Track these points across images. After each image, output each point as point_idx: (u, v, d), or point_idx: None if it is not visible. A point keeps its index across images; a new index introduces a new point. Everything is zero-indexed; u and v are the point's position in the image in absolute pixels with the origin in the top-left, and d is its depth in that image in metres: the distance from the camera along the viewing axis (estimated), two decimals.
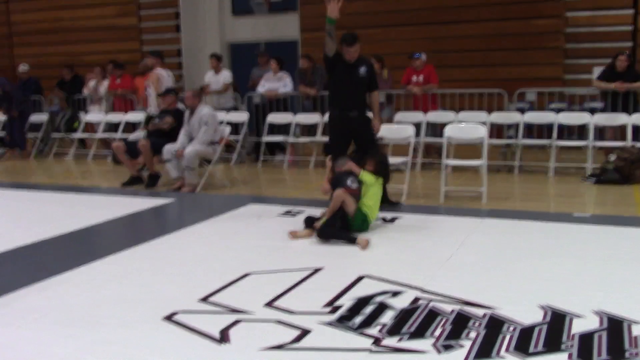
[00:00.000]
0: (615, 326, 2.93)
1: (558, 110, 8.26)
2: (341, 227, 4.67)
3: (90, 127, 11.07)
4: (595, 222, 5.09)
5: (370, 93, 5.85)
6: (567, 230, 4.86)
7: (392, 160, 7.23)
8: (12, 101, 10.55)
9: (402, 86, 8.87)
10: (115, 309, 3.32)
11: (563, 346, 2.74)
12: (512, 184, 7.28)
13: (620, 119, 7.69)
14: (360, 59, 5.65)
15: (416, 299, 3.35)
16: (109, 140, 10.01)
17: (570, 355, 2.65)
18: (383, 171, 5.00)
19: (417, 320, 3.06)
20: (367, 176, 4.88)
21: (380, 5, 11.18)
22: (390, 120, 8.44)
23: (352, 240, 4.49)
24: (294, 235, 4.72)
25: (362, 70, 5.64)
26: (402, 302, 3.30)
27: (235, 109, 9.85)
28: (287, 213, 5.58)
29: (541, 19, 10.28)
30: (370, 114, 5.88)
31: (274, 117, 9.18)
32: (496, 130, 8.40)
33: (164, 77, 8.82)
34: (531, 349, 2.71)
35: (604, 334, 2.85)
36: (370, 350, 2.75)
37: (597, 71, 8.52)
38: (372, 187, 4.87)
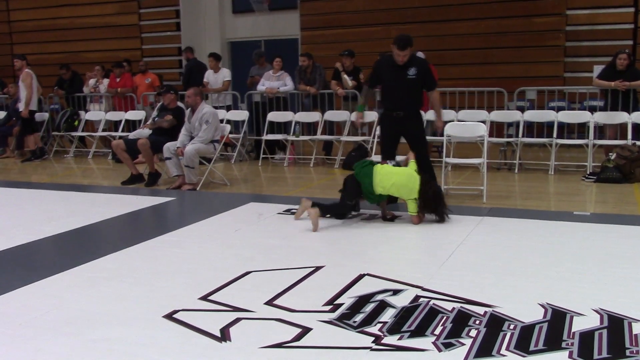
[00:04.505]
0: (615, 324, 2.93)
1: (558, 109, 8.26)
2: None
3: (91, 125, 11.08)
4: (596, 220, 5.09)
5: (428, 93, 5.80)
6: (567, 228, 4.86)
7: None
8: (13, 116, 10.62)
9: None
10: (116, 307, 3.32)
11: (563, 344, 2.74)
12: (513, 182, 7.27)
13: (620, 117, 7.68)
14: (412, 60, 5.54)
15: (417, 297, 3.35)
16: (110, 139, 10.01)
17: (570, 354, 2.65)
18: (430, 202, 4.98)
19: (417, 319, 3.05)
20: (412, 166, 5.09)
21: (381, 3, 11.16)
22: None
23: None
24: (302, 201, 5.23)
25: (412, 71, 5.54)
26: (402, 301, 3.30)
27: (235, 107, 9.84)
28: (288, 211, 5.58)
29: (541, 17, 10.28)
30: (431, 113, 5.99)
31: (274, 116, 9.18)
32: (496, 129, 8.39)
33: (33, 76, 9.79)
34: (531, 347, 2.71)
35: (605, 332, 2.85)
36: (371, 349, 2.74)
37: (597, 69, 8.51)
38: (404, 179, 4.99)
